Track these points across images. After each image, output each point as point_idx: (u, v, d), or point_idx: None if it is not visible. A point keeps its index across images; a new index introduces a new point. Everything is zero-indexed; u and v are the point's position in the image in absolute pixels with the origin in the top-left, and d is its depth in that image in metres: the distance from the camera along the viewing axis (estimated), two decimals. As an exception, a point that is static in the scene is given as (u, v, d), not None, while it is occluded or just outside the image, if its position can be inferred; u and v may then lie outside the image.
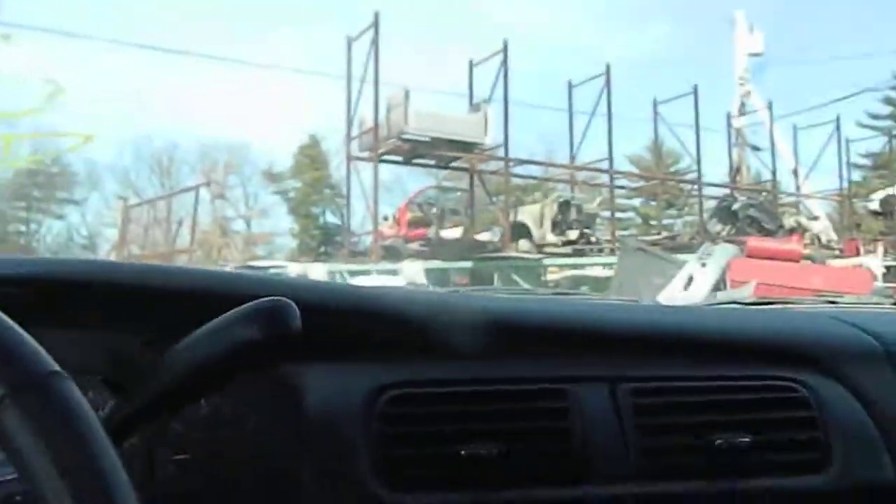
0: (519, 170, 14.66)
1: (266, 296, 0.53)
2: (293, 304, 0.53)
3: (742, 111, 16.79)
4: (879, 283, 9.43)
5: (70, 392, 0.37)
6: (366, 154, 12.09)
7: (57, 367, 0.38)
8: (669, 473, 0.67)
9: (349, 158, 12.45)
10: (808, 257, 9.06)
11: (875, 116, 26.05)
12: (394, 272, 10.19)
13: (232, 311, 0.52)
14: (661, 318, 0.80)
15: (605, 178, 14.32)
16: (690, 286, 7.50)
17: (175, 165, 25.54)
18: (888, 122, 25.36)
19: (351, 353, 0.68)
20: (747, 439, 0.68)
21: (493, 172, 13.71)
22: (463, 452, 0.63)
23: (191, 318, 0.53)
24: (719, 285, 7.57)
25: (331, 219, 25.95)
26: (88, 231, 24.59)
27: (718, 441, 0.68)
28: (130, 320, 0.63)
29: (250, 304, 0.52)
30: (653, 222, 19.65)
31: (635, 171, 20.66)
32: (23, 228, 23.72)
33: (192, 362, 0.52)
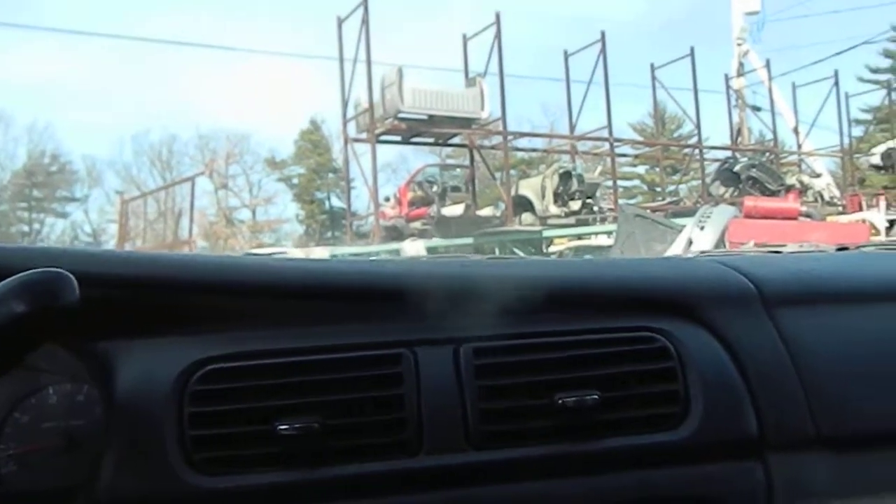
0: (522, 143, 14.61)
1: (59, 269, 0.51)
2: (68, 276, 0.51)
3: (741, 71, 16.58)
4: (882, 237, 9.36)
5: None
6: (364, 135, 12.05)
7: None
8: (511, 438, 0.64)
9: (346, 141, 12.41)
10: (806, 214, 8.99)
11: (874, 70, 25.70)
12: (396, 252, 10.22)
13: None
14: (513, 271, 0.75)
15: (607, 147, 14.22)
16: (690, 249, 7.48)
17: (175, 158, 25.66)
18: (888, 76, 25.00)
19: (167, 327, 0.64)
20: (595, 396, 0.64)
21: (492, 147, 13.65)
22: (281, 428, 0.60)
23: None
24: (719, 247, 7.55)
25: (336, 203, 26.02)
26: (92, 228, 24.79)
27: (564, 400, 0.64)
28: None
29: (17, 276, 0.50)
30: (657, 188, 19.52)
31: (639, 138, 20.50)
32: (26, 228, 23.91)
33: None
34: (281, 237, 24.74)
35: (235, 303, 0.66)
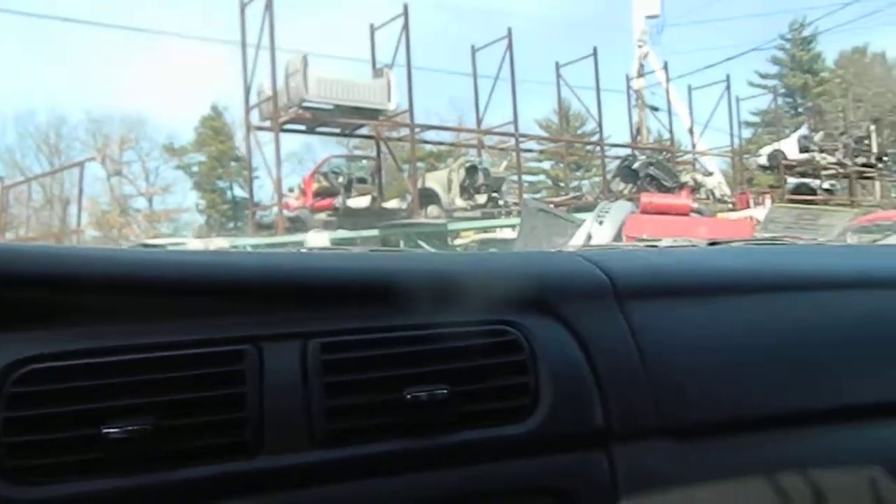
0: (430, 136, 14.64)
1: None
2: None
3: (641, 72, 17.25)
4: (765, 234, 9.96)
5: None
6: (267, 123, 11.72)
7: None
8: (357, 435, 0.63)
9: (248, 128, 12.03)
10: (697, 211, 9.45)
11: (764, 76, 27.51)
12: (300, 244, 10.00)
13: None
14: (368, 265, 0.73)
15: (513, 142, 14.44)
16: (590, 243, 7.72)
17: (65, 142, 24.15)
18: (775, 81, 26.80)
19: None
20: (445, 390, 0.64)
21: (400, 139, 13.60)
22: (108, 431, 0.56)
23: None
24: (617, 241, 7.83)
25: (239, 192, 25.24)
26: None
27: (413, 395, 0.63)
28: None
29: None
30: (562, 184, 20.06)
31: (544, 134, 20.97)
32: None
33: None
34: (180, 227, 23.78)
35: (63, 297, 0.61)
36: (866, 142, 17.67)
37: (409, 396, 0.63)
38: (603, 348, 0.71)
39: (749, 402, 0.73)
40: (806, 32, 27.50)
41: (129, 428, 0.56)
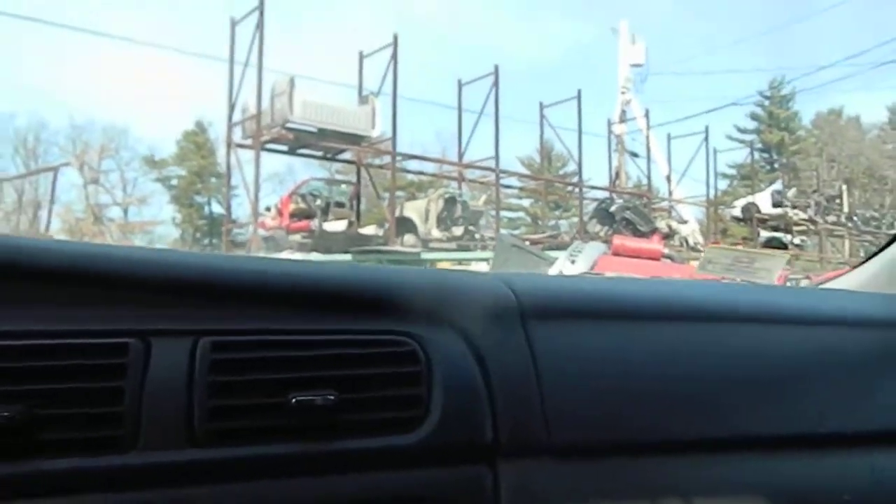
0: (412, 165, 14.75)
1: None
2: None
3: (622, 118, 17.59)
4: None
5: None
6: (249, 141, 11.72)
7: None
8: (239, 436, 0.62)
9: (229, 145, 12.03)
10: (668, 256, 9.57)
11: (742, 130, 28.14)
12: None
13: None
14: (267, 267, 0.72)
15: (493, 177, 14.58)
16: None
17: (43, 146, 23.89)
18: (752, 136, 27.45)
19: None
20: (332, 397, 0.63)
21: (381, 167, 13.67)
22: None
23: None
24: (587, 281, 7.87)
25: (217, 209, 25.08)
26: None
27: (298, 399, 0.62)
28: None
29: None
30: (540, 222, 20.23)
31: (525, 171, 21.20)
32: None
33: None
34: (154, 240, 23.53)
35: None
36: (838, 201, 18.14)
37: (294, 401, 0.62)
38: (500, 365, 0.70)
39: (641, 427, 0.73)
40: (784, 91, 28.31)
41: None
